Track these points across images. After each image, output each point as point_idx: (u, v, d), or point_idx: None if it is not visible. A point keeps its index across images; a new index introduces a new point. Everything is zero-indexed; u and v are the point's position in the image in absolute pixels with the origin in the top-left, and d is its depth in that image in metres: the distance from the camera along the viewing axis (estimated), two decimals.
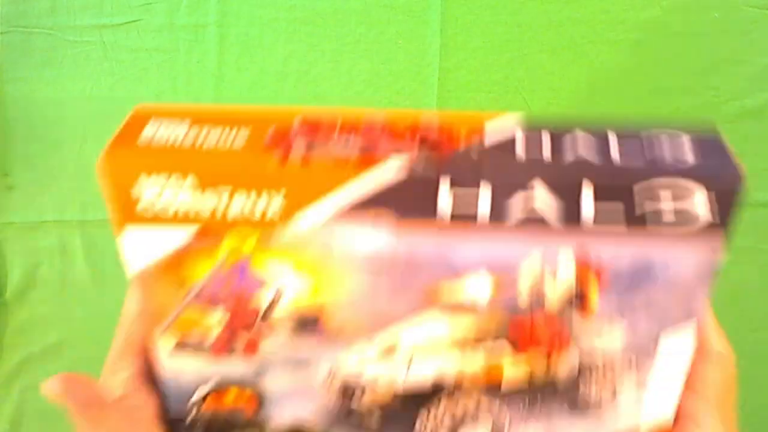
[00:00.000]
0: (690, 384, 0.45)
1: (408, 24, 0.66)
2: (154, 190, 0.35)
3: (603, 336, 0.42)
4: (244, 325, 0.41)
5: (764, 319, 0.72)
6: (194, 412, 0.44)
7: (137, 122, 0.37)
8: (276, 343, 0.42)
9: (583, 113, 0.67)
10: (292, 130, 0.37)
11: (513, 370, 0.44)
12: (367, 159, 0.35)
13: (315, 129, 0.38)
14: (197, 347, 0.42)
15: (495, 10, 0.65)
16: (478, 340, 0.43)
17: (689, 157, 0.34)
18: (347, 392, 0.45)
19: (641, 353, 0.42)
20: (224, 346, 0.42)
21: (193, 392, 0.44)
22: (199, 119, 0.37)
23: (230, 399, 0.44)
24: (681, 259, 0.36)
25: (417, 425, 0.45)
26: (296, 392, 0.44)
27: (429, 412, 0.45)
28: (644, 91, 0.65)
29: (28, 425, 0.77)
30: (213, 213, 0.37)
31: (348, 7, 0.66)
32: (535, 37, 0.66)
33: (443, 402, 0.44)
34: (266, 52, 0.67)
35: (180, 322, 0.41)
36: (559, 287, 0.39)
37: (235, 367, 0.43)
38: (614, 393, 0.43)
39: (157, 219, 0.36)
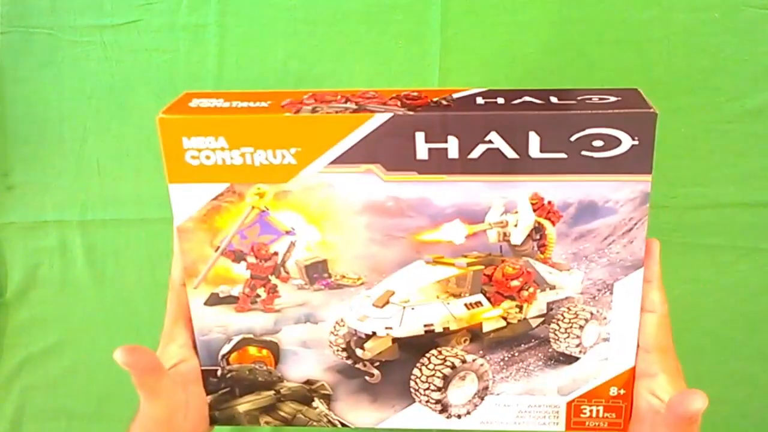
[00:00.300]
0: (638, 338, 0.49)
1: (408, 24, 0.66)
2: (193, 150, 0.45)
3: (564, 282, 0.49)
4: (264, 275, 0.49)
5: (765, 319, 0.72)
6: (224, 364, 0.52)
7: (184, 99, 0.48)
8: (290, 296, 0.49)
9: None
10: (303, 99, 0.46)
11: (490, 318, 0.50)
12: (360, 113, 0.44)
13: (320, 98, 0.47)
14: (225, 301, 0.50)
15: (495, 11, 0.65)
16: (458, 294, 0.49)
17: (613, 102, 0.44)
18: (352, 342, 0.51)
19: (599, 304, 0.49)
20: (247, 301, 0.50)
21: (222, 346, 0.51)
22: (230, 97, 0.47)
23: (252, 354, 0.51)
24: (616, 189, 0.44)
25: (413, 378, 0.50)
26: (307, 347, 0.51)
27: (423, 365, 0.50)
28: (644, 90, 0.65)
29: (28, 425, 0.77)
30: (239, 168, 0.45)
31: (348, 8, 0.66)
32: (535, 38, 0.66)
33: (434, 354, 0.50)
34: (266, 52, 0.67)
35: (211, 276, 0.49)
36: (520, 227, 0.46)
37: (257, 320, 0.50)
38: (580, 343, 0.50)
39: (195, 175, 0.45)
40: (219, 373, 0.52)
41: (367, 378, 0.51)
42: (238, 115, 0.45)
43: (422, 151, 0.44)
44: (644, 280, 0.48)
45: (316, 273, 0.49)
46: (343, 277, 0.49)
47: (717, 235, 0.70)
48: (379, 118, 0.44)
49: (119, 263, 0.73)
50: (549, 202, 0.46)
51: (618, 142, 0.44)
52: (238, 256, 0.49)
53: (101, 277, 0.73)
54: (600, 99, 0.45)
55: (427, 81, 0.66)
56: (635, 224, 0.46)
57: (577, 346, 0.50)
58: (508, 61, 0.66)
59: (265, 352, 0.51)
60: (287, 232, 0.48)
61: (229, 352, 0.51)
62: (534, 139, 0.44)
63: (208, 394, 0.52)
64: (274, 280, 0.49)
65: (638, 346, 0.49)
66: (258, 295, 0.50)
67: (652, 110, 0.43)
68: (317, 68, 0.67)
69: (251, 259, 0.49)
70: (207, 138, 0.45)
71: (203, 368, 0.52)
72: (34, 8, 0.66)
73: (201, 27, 0.67)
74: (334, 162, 0.45)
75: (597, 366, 0.51)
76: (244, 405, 0.52)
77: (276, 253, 0.49)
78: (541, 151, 0.44)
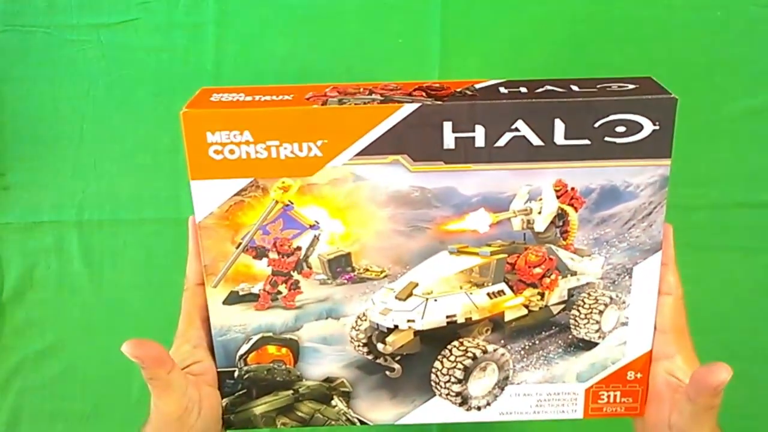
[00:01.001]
0: (655, 321, 0.49)
1: (408, 24, 0.66)
2: (217, 145, 0.44)
3: (585, 268, 0.49)
4: (286, 271, 0.48)
5: (765, 319, 0.72)
6: (241, 365, 0.51)
7: (203, 94, 0.47)
8: (312, 292, 0.49)
9: None
10: (326, 92, 0.46)
11: (512, 307, 0.50)
12: (389, 104, 0.44)
13: (343, 91, 0.47)
14: (245, 299, 0.49)
15: (496, 10, 0.65)
16: (481, 284, 0.49)
17: (632, 89, 0.45)
18: (373, 336, 0.50)
19: (618, 288, 0.49)
20: (267, 298, 0.49)
21: (240, 346, 0.50)
22: (252, 92, 0.47)
23: (271, 353, 0.50)
24: (637, 173, 0.46)
25: (434, 371, 0.50)
26: (328, 344, 0.50)
27: (444, 357, 0.50)
28: None
29: (24, 427, 0.76)
30: (264, 162, 0.45)
31: (348, 7, 0.65)
32: (536, 37, 0.65)
33: (456, 346, 0.49)
34: (265, 51, 0.67)
35: (231, 273, 0.48)
36: (544, 214, 0.47)
37: (277, 318, 0.49)
38: (599, 328, 0.50)
39: (218, 171, 0.45)
40: (236, 374, 0.51)
41: (387, 373, 0.51)
42: (265, 108, 0.44)
43: (449, 140, 0.45)
44: (661, 263, 0.49)
45: (339, 267, 0.48)
46: (367, 270, 0.48)
47: (717, 236, 0.70)
48: (407, 108, 0.44)
49: (116, 264, 0.72)
50: (572, 189, 0.46)
51: (640, 128, 0.45)
52: (259, 253, 0.48)
53: (98, 277, 0.73)
54: (619, 87, 0.46)
55: (427, 79, 0.66)
56: (654, 208, 0.47)
57: (597, 331, 0.50)
58: (509, 60, 0.66)
59: (284, 350, 0.50)
60: (311, 226, 0.47)
61: (248, 352, 0.50)
62: (559, 126, 0.45)
63: (223, 397, 0.51)
64: (296, 275, 0.49)
65: (655, 328, 0.50)
66: (279, 292, 0.49)
67: (672, 96, 0.45)
68: (317, 67, 0.67)
69: (273, 255, 0.48)
70: (232, 132, 0.44)
71: (220, 370, 0.51)
72: (31, 7, 0.66)
73: (199, 26, 0.66)
74: (360, 153, 0.45)
75: (615, 351, 0.51)
76: (261, 407, 0.51)
77: (299, 248, 0.48)
78: (566, 138, 0.45)
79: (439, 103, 0.45)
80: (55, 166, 0.70)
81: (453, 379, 0.49)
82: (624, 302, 0.50)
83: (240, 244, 0.48)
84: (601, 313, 0.50)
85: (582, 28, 0.65)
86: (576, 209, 0.47)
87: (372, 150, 0.45)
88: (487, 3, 0.65)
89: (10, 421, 0.76)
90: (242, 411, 0.51)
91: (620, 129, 0.45)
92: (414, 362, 0.51)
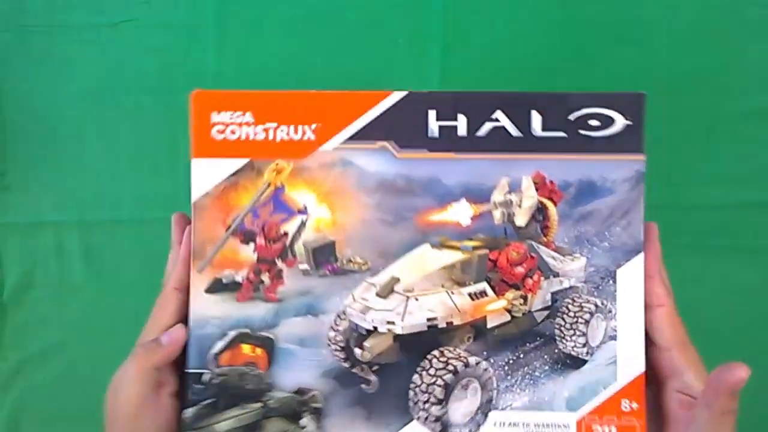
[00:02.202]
0: (653, 338, 0.48)
1: (408, 23, 0.66)
2: (221, 125, 0.47)
3: (567, 269, 0.49)
4: (270, 258, 0.49)
5: (766, 319, 0.72)
6: (213, 366, 0.48)
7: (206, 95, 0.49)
8: (294, 283, 0.49)
9: None
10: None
11: (494, 311, 0.49)
12: (378, 91, 0.47)
13: None
14: (227, 288, 0.48)
15: (497, 10, 0.65)
16: (463, 282, 0.49)
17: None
18: (351, 340, 0.48)
19: (603, 294, 0.49)
20: (249, 288, 0.48)
21: (214, 343, 0.48)
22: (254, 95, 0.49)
23: (245, 354, 0.48)
24: (613, 168, 0.47)
25: (413, 387, 0.47)
26: (304, 346, 0.48)
27: (424, 369, 0.47)
28: (646, 90, 0.65)
29: (25, 427, 0.76)
30: (261, 144, 0.47)
31: (348, 7, 0.65)
32: (536, 37, 0.65)
33: (436, 356, 0.48)
34: (266, 51, 0.67)
35: (218, 259, 0.48)
36: (524, 207, 0.48)
37: (257, 311, 0.48)
38: (586, 341, 0.49)
39: (219, 150, 0.47)
40: (207, 378, 0.48)
41: (363, 386, 0.49)
42: (267, 91, 0.48)
43: (434, 128, 0.47)
44: (646, 276, 0.48)
45: (323, 257, 0.48)
46: (350, 261, 0.49)
47: (718, 236, 0.69)
48: (396, 95, 0.47)
49: (117, 264, 0.72)
50: (551, 182, 0.48)
51: (612, 122, 0.47)
52: (247, 237, 0.49)
53: (99, 277, 0.73)
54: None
55: (428, 79, 0.66)
56: (632, 204, 0.48)
57: (584, 345, 0.49)
58: (510, 60, 0.66)
59: (259, 350, 0.48)
60: (299, 211, 0.48)
61: (222, 351, 0.48)
62: (536, 118, 0.47)
63: (189, 406, 0.47)
64: (279, 264, 0.49)
65: (654, 345, 0.48)
66: (262, 281, 0.49)
67: (641, 92, 0.47)
68: (317, 67, 0.67)
69: (260, 241, 0.49)
70: (236, 112, 0.47)
71: (189, 371, 0.48)
72: (31, 7, 0.66)
73: (199, 26, 0.67)
74: (351, 138, 0.47)
75: (606, 371, 0.49)
76: (226, 423, 0.47)
77: (286, 234, 0.49)
78: (543, 130, 0.47)
79: (425, 91, 0.47)
80: (56, 166, 0.70)
81: (433, 399, 0.47)
82: (610, 311, 0.48)
83: (229, 226, 0.48)
84: (586, 323, 0.49)
85: (583, 27, 0.65)
86: (555, 203, 0.48)
87: (362, 135, 0.47)
88: (489, 3, 0.65)
89: (11, 421, 0.76)
90: (205, 427, 0.47)
91: (594, 122, 0.47)
92: (392, 374, 0.48)
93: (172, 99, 0.69)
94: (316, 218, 0.48)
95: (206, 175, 0.48)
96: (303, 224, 0.48)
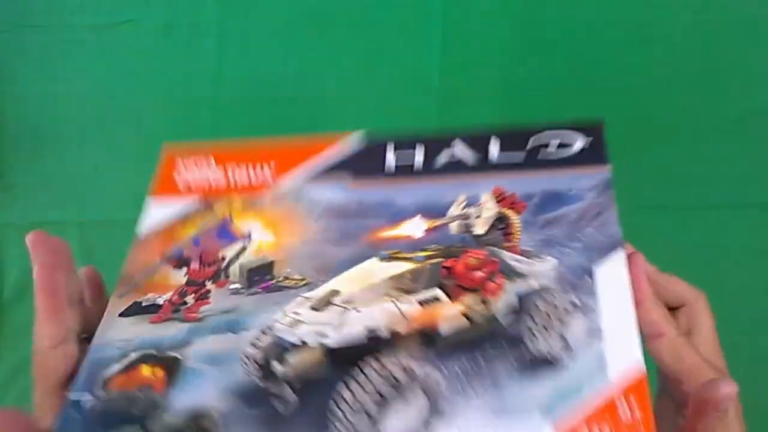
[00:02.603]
0: (662, 371, 0.43)
1: (409, 23, 0.66)
2: (184, 170, 0.48)
3: (535, 270, 0.44)
4: (201, 280, 0.45)
5: (767, 320, 0.72)
6: (99, 389, 0.40)
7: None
8: (220, 302, 0.44)
9: (585, 110, 0.67)
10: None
11: (449, 317, 0.42)
12: (335, 135, 0.47)
13: None
14: (145, 310, 0.43)
15: (497, 10, 0.65)
16: (412, 290, 0.43)
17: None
18: (274, 354, 0.40)
19: (580, 291, 0.42)
20: (168, 309, 0.44)
21: (110, 367, 0.40)
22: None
23: (143, 376, 0.41)
24: (577, 179, 0.46)
25: (338, 402, 0.38)
26: (215, 364, 0.41)
27: (356, 380, 0.38)
28: (645, 90, 0.65)
29: None
30: (219, 184, 0.47)
31: (348, 7, 0.65)
32: (536, 37, 0.65)
33: (372, 365, 0.38)
34: (266, 52, 0.67)
35: (145, 285, 0.44)
36: (483, 218, 0.46)
37: (168, 331, 0.42)
38: (565, 342, 0.40)
39: (176, 189, 0.47)
40: (88, 405, 0.40)
41: (277, 405, 0.39)
42: (225, 145, 0.50)
43: (390, 159, 0.47)
44: (636, 304, 0.41)
45: (258, 276, 0.44)
46: (286, 278, 0.43)
47: (719, 236, 0.69)
48: (356, 136, 0.48)
49: (117, 264, 0.72)
50: (512, 194, 0.46)
51: (574, 140, 0.47)
52: (181, 263, 0.45)
53: None
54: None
55: (427, 80, 0.66)
56: (603, 208, 0.46)
57: (562, 345, 0.40)
58: (510, 61, 0.66)
59: (159, 372, 0.42)
60: (242, 237, 0.48)
61: (117, 374, 0.41)
62: (494, 143, 0.48)
63: None
64: (209, 285, 0.44)
65: (673, 380, 0.42)
66: (185, 303, 0.44)
67: (601, 119, 0.48)
68: (316, 67, 0.67)
69: (194, 265, 0.45)
70: (198, 157, 0.49)
71: (71, 398, 0.40)
72: (31, 7, 0.66)
73: (199, 26, 0.67)
74: (307, 176, 0.47)
75: (590, 372, 0.39)
76: None
77: (223, 258, 0.46)
78: (501, 151, 0.48)
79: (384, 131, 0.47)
80: (56, 167, 0.70)
81: (363, 417, 0.37)
82: (590, 308, 0.41)
83: (164, 256, 0.45)
84: (562, 321, 0.41)
85: (584, 29, 0.65)
86: (518, 212, 0.45)
87: (318, 172, 0.47)
88: (489, 3, 0.65)
89: None
90: None
91: (554, 142, 0.47)
92: (316, 393, 0.38)
93: (172, 99, 0.69)
94: (258, 242, 0.45)
95: (158, 212, 0.48)
96: (243, 249, 0.45)
